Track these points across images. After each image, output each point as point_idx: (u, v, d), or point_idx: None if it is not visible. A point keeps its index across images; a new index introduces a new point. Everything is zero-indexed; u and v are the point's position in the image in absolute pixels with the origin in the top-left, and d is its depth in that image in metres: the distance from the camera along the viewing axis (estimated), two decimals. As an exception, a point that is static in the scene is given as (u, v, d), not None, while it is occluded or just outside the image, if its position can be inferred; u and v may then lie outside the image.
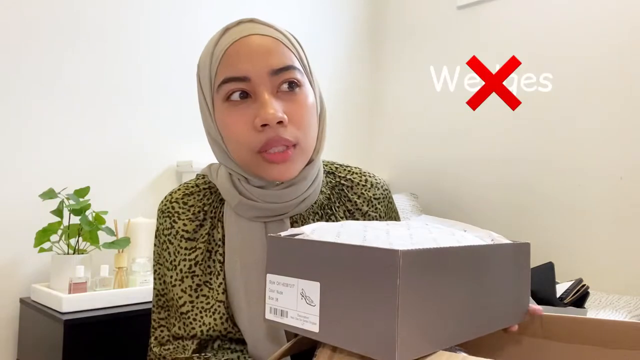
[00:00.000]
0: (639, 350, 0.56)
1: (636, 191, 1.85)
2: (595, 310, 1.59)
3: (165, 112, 1.88)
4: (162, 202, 0.75)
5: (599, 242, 1.92)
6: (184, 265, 0.71)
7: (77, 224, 1.46)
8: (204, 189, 0.76)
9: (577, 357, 0.60)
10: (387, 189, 0.83)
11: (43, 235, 1.42)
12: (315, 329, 0.46)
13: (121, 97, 1.77)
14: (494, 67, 2.27)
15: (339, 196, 0.79)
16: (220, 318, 0.69)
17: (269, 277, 0.51)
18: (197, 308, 0.70)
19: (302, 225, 0.70)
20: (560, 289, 1.56)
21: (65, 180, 1.60)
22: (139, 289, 1.47)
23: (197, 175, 0.80)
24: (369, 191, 0.79)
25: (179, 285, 0.71)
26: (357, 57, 2.66)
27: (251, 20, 0.70)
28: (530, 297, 0.63)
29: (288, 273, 0.49)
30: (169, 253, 0.72)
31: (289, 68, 0.66)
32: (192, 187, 0.76)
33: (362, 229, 0.53)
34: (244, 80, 0.64)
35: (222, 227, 0.73)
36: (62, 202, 1.46)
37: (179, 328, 0.71)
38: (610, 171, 1.91)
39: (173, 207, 0.73)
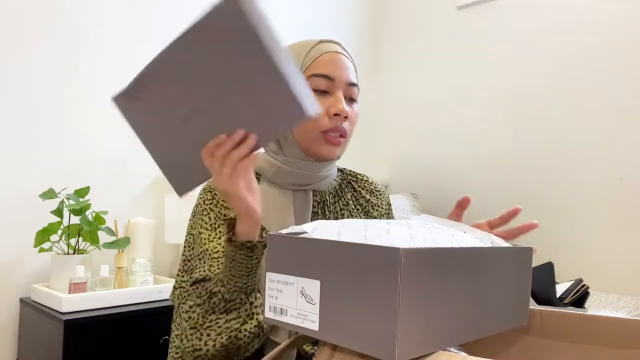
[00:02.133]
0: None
1: (636, 191, 1.85)
2: (595, 310, 1.59)
3: (165, 112, 1.88)
4: (204, 185, 0.91)
5: (599, 242, 1.92)
6: (223, 228, 0.85)
7: (77, 224, 1.46)
8: None
9: (578, 356, 0.60)
10: (384, 189, 1.04)
11: (43, 235, 1.42)
12: (315, 327, 0.46)
13: (121, 97, 1.77)
14: (494, 67, 2.27)
15: (347, 185, 1.00)
16: None
17: (269, 275, 0.51)
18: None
19: (321, 199, 0.92)
20: (560, 289, 1.56)
21: (65, 180, 1.61)
22: (139, 289, 1.47)
23: None
24: (370, 185, 1.02)
25: (216, 240, 0.85)
26: (357, 57, 2.65)
27: (338, 43, 0.92)
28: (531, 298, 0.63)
29: (288, 271, 0.49)
30: (210, 217, 0.87)
31: (356, 85, 0.90)
32: None
33: (362, 228, 0.53)
34: (332, 80, 0.86)
35: None
36: (62, 202, 1.46)
37: (207, 270, 0.81)
38: (610, 171, 1.91)
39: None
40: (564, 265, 1.90)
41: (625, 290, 1.81)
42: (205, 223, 0.86)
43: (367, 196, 0.99)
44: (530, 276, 0.61)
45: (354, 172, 1.03)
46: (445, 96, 2.45)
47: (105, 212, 1.52)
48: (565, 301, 1.52)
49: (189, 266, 0.86)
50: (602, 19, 1.97)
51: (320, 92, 0.86)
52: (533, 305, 0.63)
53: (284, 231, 0.53)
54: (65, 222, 1.47)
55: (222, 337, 0.73)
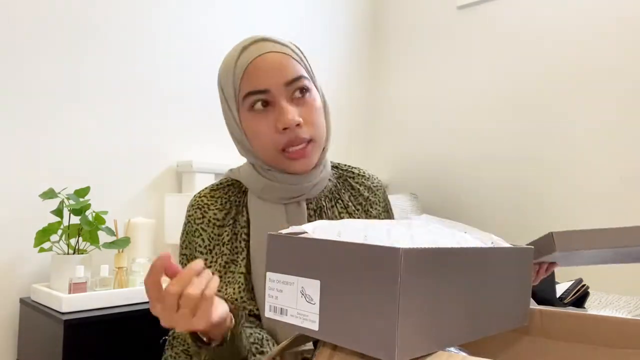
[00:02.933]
0: None
1: (636, 191, 1.85)
2: (596, 310, 1.59)
3: (165, 112, 1.88)
4: (192, 199, 0.87)
5: (599, 242, 1.92)
6: (218, 249, 0.82)
7: (77, 224, 1.46)
8: (227, 185, 0.89)
9: (578, 356, 0.60)
10: (380, 181, 1.00)
11: (43, 235, 1.42)
12: (314, 327, 0.46)
13: (121, 98, 1.77)
14: (495, 67, 2.27)
15: (344, 184, 0.94)
16: (239, 287, 0.79)
17: (269, 275, 0.51)
18: (224, 281, 0.81)
19: (316, 206, 0.87)
20: (560, 289, 1.56)
21: (65, 180, 1.61)
22: (139, 289, 1.47)
23: (220, 179, 0.93)
24: (367, 180, 0.96)
25: (213, 265, 0.82)
26: (357, 58, 2.66)
27: (264, 39, 0.81)
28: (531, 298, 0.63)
29: (288, 271, 0.49)
30: (203, 239, 0.83)
31: (300, 78, 0.79)
32: (217, 185, 0.89)
33: (362, 228, 0.53)
34: (265, 92, 0.77)
35: (246, 212, 0.85)
36: (62, 202, 1.46)
37: None
38: (610, 171, 1.91)
39: (202, 201, 0.85)
40: (564, 265, 1.89)
41: (625, 290, 1.81)
42: (200, 246, 0.83)
43: (366, 193, 0.93)
44: (531, 276, 0.61)
45: (350, 167, 0.96)
46: (445, 96, 2.45)
47: (105, 212, 1.52)
48: (565, 301, 1.52)
49: None
50: (602, 19, 1.97)
51: (262, 109, 0.78)
52: (533, 305, 0.63)
53: (284, 231, 0.53)
54: (65, 222, 1.47)
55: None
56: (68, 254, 1.47)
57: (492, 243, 0.58)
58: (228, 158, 2.10)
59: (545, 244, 0.81)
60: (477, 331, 0.51)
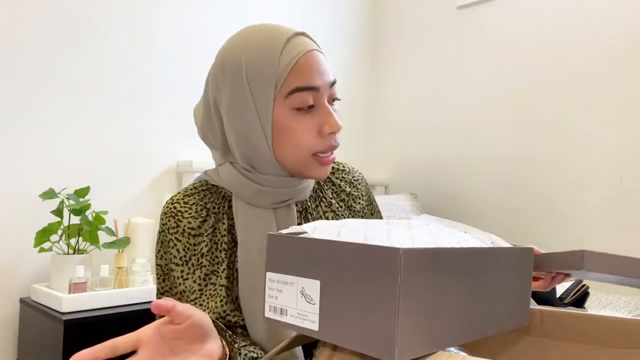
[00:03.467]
0: None
1: (636, 191, 1.85)
2: (596, 310, 1.59)
3: (165, 112, 1.88)
4: (164, 206, 0.81)
5: (599, 242, 1.92)
6: (195, 259, 0.78)
7: (77, 224, 1.46)
8: (203, 190, 0.82)
9: (578, 356, 0.60)
10: (361, 173, 0.96)
11: (43, 235, 1.42)
12: (314, 327, 0.46)
13: (121, 98, 1.77)
14: (495, 67, 2.27)
15: (325, 181, 0.90)
16: (221, 300, 0.75)
17: (269, 275, 0.51)
18: (205, 295, 0.77)
19: (302, 207, 0.83)
20: (560, 289, 1.56)
21: (65, 180, 1.61)
22: (139, 289, 1.47)
23: (194, 182, 0.85)
24: (348, 175, 0.92)
25: (191, 277, 0.77)
26: (356, 57, 2.66)
27: (303, 34, 0.76)
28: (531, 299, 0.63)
29: (288, 271, 0.49)
30: (178, 250, 0.78)
31: (335, 82, 0.77)
32: (191, 189, 0.82)
33: (363, 228, 0.53)
34: (315, 90, 0.73)
35: (227, 219, 0.80)
36: (62, 202, 1.46)
37: None
38: (610, 171, 1.91)
39: (175, 207, 0.79)
40: (564, 265, 1.89)
41: (625, 291, 1.81)
42: (175, 257, 0.78)
43: (348, 188, 0.90)
44: (531, 276, 0.61)
45: (335, 185, 0.92)
46: (445, 96, 2.45)
47: (105, 212, 1.52)
48: (565, 301, 1.52)
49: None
50: (602, 19, 1.97)
51: (307, 109, 0.73)
52: (533, 305, 0.63)
53: (284, 231, 0.53)
54: (65, 222, 1.47)
55: None
56: (68, 254, 1.47)
57: (492, 243, 0.58)
58: (228, 158, 2.10)
59: (574, 259, 0.80)
60: (477, 331, 0.51)
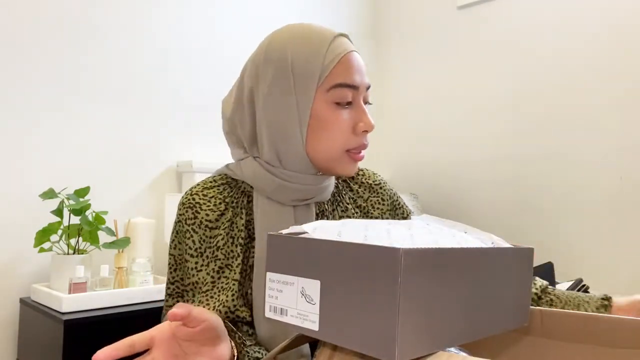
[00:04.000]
0: None
1: (636, 191, 1.85)
2: (596, 310, 1.59)
3: (165, 112, 1.88)
4: (182, 196, 0.82)
5: (599, 242, 1.92)
6: (210, 252, 0.78)
7: (77, 224, 1.46)
8: (222, 183, 0.83)
9: (578, 356, 0.60)
10: (382, 178, 0.97)
11: (43, 235, 1.42)
12: (315, 327, 0.46)
13: (122, 98, 1.77)
14: (495, 67, 2.27)
15: (343, 186, 0.91)
16: (232, 295, 0.76)
17: (269, 275, 0.51)
18: (217, 287, 0.77)
19: (319, 209, 0.84)
20: (560, 289, 1.55)
21: (65, 180, 1.60)
22: (139, 289, 1.47)
23: (213, 175, 0.87)
24: (369, 179, 0.94)
25: (205, 269, 0.78)
26: (357, 58, 2.65)
27: (346, 36, 0.80)
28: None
29: (288, 271, 0.49)
30: (194, 241, 0.79)
31: (370, 87, 0.80)
32: (210, 182, 0.84)
33: (363, 228, 0.53)
34: (355, 89, 0.76)
35: (246, 214, 0.81)
36: (62, 202, 1.46)
37: (198, 304, 0.76)
38: (610, 171, 1.91)
39: (194, 199, 0.80)
40: (564, 265, 1.90)
41: (625, 290, 1.81)
42: (190, 248, 0.79)
43: (366, 194, 0.91)
44: (531, 277, 0.61)
45: (354, 181, 0.94)
46: (445, 96, 2.45)
47: (105, 212, 1.52)
48: (566, 301, 1.52)
49: (173, 290, 0.81)
50: (602, 19, 1.97)
51: (346, 105, 0.76)
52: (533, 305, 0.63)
53: (284, 231, 0.53)
54: (65, 222, 1.47)
55: None
56: (68, 254, 1.47)
57: (492, 243, 0.58)
58: (228, 158, 2.10)
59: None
60: (477, 331, 0.51)
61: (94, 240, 1.48)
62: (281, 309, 0.49)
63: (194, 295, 0.78)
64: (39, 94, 1.60)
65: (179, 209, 0.81)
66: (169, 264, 0.82)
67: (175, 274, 0.81)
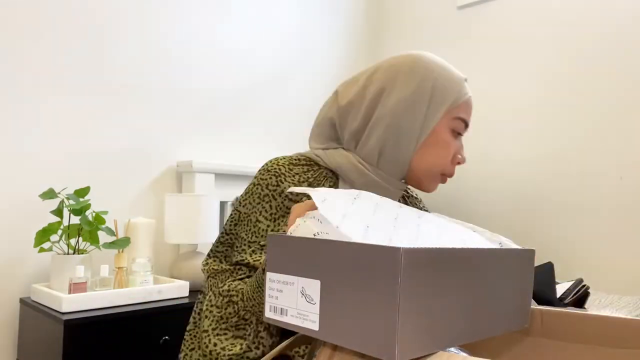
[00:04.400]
0: None
1: (636, 191, 1.85)
2: (596, 310, 1.59)
3: (165, 112, 1.88)
4: (267, 164, 0.84)
5: (599, 242, 1.92)
6: (283, 221, 0.80)
7: (77, 224, 1.46)
8: (307, 164, 0.87)
9: (578, 356, 0.60)
10: (423, 203, 1.07)
11: (43, 235, 1.42)
12: (315, 327, 0.46)
13: (121, 97, 1.77)
14: (495, 67, 2.27)
15: (405, 200, 0.99)
16: None
17: (269, 275, 0.51)
18: None
19: None
20: (560, 289, 1.55)
21: (65, 180, 1.60)
22: (139, 289, 1.47)
23: (296, 154, 0.90)
24: (420, 203, 1.04)
25: (271, 232, 0.79)
26: (356, 58, 2.66)
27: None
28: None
29: (288, 271, 0.49)
30: (271, 206, 0.80)
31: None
32: (296, 159, 0.87)
33: (372, 211, 0.52)
34: (466, 127, 0.89)
35: None
36: (62, 202, 1.46)
37: (250, 255, 0.79)
38: (610, 171, 1.91)
39: (280, 169, 0.82)
40: (564, 265, 1.90)
41: (625, 290, 1.81)
42: (266, 211, 0.80)
43: (413, 203, 1.02)
44: (532, 279, 0.61)
45: (410, 190, 1.04)
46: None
47: (105, 212, 1.52)
48: (566, 301, 1.52)
49: (226, 240, 0.85)
50: (602, 19, 1.97)
51: (456, 135, 0.88)
52: (533, 305, 0.63)
53: (294, 189, 0.52)
54: (65, 222, 1.47)
55: (224, 355, 0.73)
56: (68, 254, 1.47)
57: (500, 244, 0.58)
58: (228, 158, 2.10)
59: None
60: (478, 332, 0.51)
61: (94, 240, 1.48)
62: (281, 308, 0.49)
63: (261, 253, 0.80)
64: (39, 94, 1.60)
65: (262, 174, 0.82)
66: (231, 216, 0.85)
67: (233, 228, 0.84)
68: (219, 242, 0.86)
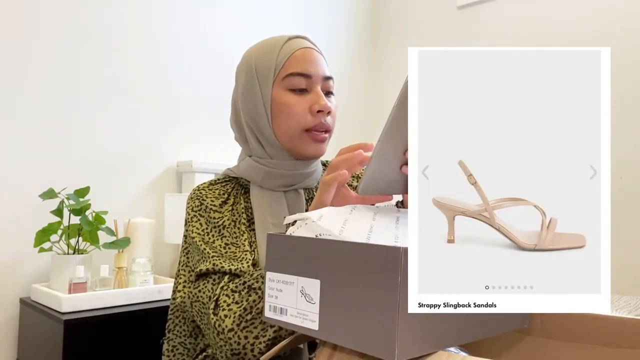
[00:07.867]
0: None
1: (636, 191, 1.85)
2: (596, 310, 1.59)
3: (165, 112, 1.88)
4: (190, 193, 0.92)
5: (599, 242, 1.92)
6: (216, 231, 0.86)
7: (77, 224, 1.46)
8: (225, 181, 0.94)
9: (578, 356, 0.60)
10: None
11: (43, 235, 1.42)
12: (314, 326, 0.46)
13: (121, 98, 1.77)
14: (494, 67, 2.27)
15: None
16: (247, 262, 0.81)
17: (269, 275, 0.51)
18: (225, 257, 0.83)
19: (308, 196, 0.93)
20: (561, 289, 1.55)
21: (65, 180, 1.60)
22: (139, 289, 1.47)
23: (216, 177, 0.97)
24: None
25: (209, 245, 0.85)
26: (356, 58, 2.66)
27: (304, 37, 0.92)
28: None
29: (288, 271, 0.49)
30: (201, 223, 0.87)
31: (331, 78, 0.91)
32: (214, 181, 0.95)
33: (370, 218, 0.52)
34: (307, 77, 0.86)
35: (244, 201, 0.91)
36: (62, 202, 1.46)
37: (211, 264, 0.81)
38: (610, 171, 1.91)
39: (201, 192, 0.90)
40: (564, 265, 1.88)
41: (625, 290, 1.81)
42: (197, 228, 0.86)
43: (354, 184, 0.99)
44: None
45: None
46: (445, 96, 2.45)
47: (105, 212, 1.52)
48: (566, 301, 1.52)
49: (188, 271, 0.89)
50: (602, 19, 1.97)
51: (299, 91, 0.87)
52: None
53: (292, 217, 0.53)
54: (65, 222, 1.47)
55: (260, 343, 0.71)
56: (68, 254, 1.47)
57: None
58: (228, 158, 2.10)
59: None
60: (478, 332, 0.51)
61: (94, 240, 1.48)
62: (281, 308, 0.49)
63: (206, 260, 0.82)
64: (39, 94, 1.60)
65: (187, 203, 0.90)
66: (183, 248, 0.90)
67: (187, 257, 0.89)
68: (179, 275, 0.90)
